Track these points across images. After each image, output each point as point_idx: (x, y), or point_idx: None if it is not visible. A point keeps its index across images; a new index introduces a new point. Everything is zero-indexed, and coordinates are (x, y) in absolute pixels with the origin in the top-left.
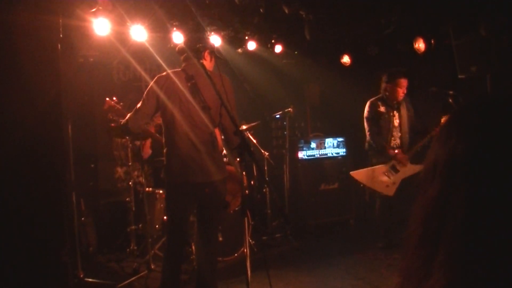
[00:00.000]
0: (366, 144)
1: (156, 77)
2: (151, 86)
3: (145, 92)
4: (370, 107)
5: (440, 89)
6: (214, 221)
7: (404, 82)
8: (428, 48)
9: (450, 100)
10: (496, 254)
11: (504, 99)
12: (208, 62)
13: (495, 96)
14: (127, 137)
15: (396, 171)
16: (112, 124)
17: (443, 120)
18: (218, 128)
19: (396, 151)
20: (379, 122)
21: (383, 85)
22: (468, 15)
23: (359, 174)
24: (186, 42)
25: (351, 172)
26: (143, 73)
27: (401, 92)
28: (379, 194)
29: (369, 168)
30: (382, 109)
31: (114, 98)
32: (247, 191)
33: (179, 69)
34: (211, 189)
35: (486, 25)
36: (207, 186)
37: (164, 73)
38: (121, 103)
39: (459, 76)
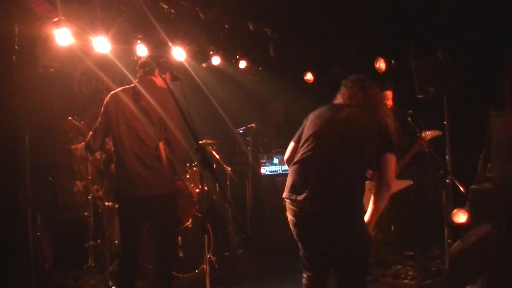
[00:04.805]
0: None
1: (108, 95)
2: (103, 104)
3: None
4: None
5: (399, 108)
6: (165, 236)
7: (390, 94)
8: (388, 68)
9: (409, 119)
10: None
11: None
12: (159, 80)
13: None
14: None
15: None
16: (73, 146)
17: (423, 136)
18: (164, 142)
19: None
20: None
21: None
22: (427, 38)
23: None
24: (140, 63)
25: None
26: (110, 84)
27: (388, 104)
28: None
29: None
30: None
31: (76, 117)
32: (204, 203)
33: (130, 86)
34: (158, 203)
35: (443, 49)
36: (153, 200)
37: (114, 91)
38: (82, 122)
39: (418, 96)
